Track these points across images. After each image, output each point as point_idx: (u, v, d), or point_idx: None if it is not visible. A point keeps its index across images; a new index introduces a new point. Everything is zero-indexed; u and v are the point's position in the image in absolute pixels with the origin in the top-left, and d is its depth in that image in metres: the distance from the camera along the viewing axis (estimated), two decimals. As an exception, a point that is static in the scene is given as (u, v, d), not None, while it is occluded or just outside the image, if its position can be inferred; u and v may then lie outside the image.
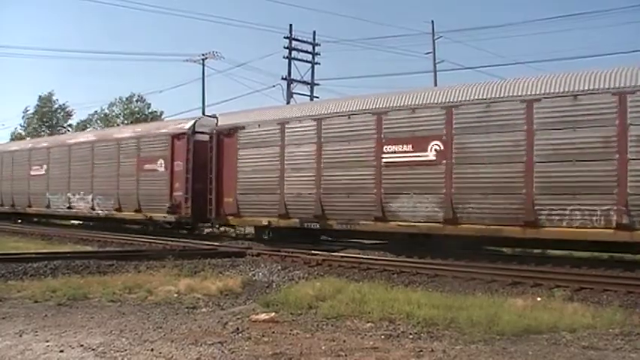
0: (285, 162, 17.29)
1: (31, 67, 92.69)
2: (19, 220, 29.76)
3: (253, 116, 18.98)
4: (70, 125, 58.39)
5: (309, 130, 16.94)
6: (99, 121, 55.37)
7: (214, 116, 21.02)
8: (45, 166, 27.49)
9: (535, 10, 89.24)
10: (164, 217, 21.00)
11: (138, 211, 22.05)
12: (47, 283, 10.66)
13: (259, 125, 18.28)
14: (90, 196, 24.47)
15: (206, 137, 19.94)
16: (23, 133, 57.31)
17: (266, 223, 17.74)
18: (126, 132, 24.30)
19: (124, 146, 23.25)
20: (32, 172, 28.28)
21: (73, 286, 10.33)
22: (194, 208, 19.88)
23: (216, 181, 19.06)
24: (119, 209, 23.00)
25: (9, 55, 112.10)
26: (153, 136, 22.24)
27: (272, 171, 17.52)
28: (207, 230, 23.23)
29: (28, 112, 58.58)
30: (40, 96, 58.20)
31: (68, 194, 25.66)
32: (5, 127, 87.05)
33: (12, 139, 54.39)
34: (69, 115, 58.89)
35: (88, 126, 54.66)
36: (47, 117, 57.69)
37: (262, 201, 17.78)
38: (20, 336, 7.13)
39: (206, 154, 19.53)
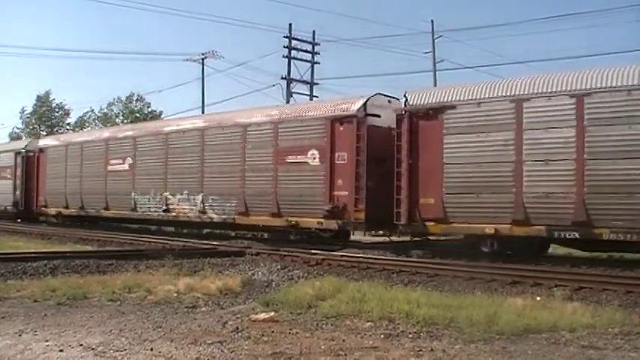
0: (525, 151, 13.28)
1: (29, 66, 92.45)
2: (19, 220, 29.75)
3: (469, 91, 14.45)
4: (68, 124, 58.39)
5: (564, 110, 12.92)
6: (96, 121, 55.37)
7: (389, 98, 16.93)
8: (129, 160, 22.64)
9: (535, 10, 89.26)
10: (319, 222, 16.57)
11: (276, 215, 17.55)
12: (47, 283, 10.66)
13: (479, 104, 14.06)
14: (199, 197, 19.73)
15: (382, 121, 16.14)
16: (21, 133, 57.25)
17: (491, 232, 13.78)
18: (256, 116, 19.05)
19: (254, 134, 18.50)
20: (111, 168, 23.44)
21: (73, 285, 10.33)
22: (368, 211, 15.72)
23: (408, 176, 14.75)
24: (245, 213, 18.39)
25: (8, 54, 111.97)
26: (299, 120, 17.57)
27: (502, 163, 13.53)
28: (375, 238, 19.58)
29: (25, 112, 58.59)
30: (37, 95, 58.20)
31: (165, 194, 20.93)
32: (4, 127, 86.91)
33: (11, 139, 54.35)
34: (67, 114, 58.89)
35: (87, 125, 54.65)
36: (45, 116, 57.63)
37: (485, 203, 13.79)
38: (20, 335, 7.13)
39: (382, 143, 15.75)
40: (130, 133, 23.93)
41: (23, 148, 29.60)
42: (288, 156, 17.45)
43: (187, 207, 20.23)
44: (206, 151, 19.86)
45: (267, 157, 17.99)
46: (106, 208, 23.70)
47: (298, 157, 17.21)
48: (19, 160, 29.27)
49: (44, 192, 27.44)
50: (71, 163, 25.80)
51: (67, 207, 25.94)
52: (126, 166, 22.83)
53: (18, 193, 29.08)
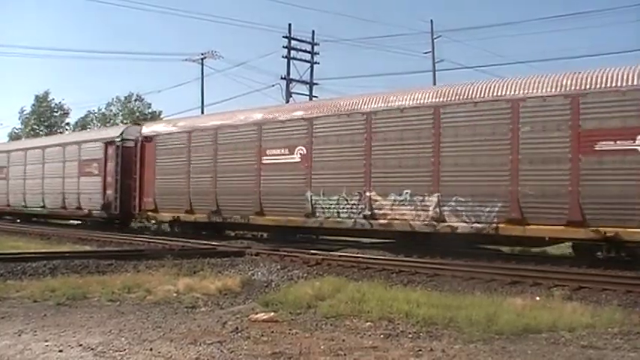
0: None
1: (29, 66, 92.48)
2: (18, 220, 29.75)
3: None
4: (67, 124, 58.39)
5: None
6: (95, 121, 55.35)
7: None
8: (301, 149, 17.25)
9: (535, 9, 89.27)
10: None
11: (577, 224, 12.54)
12: (46, 283, 10.64)
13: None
14: (432, 198, 14.60)
15: None
16: (21, 133, 57.24)
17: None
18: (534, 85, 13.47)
19: (528, 112, 13.32)
20: (268, 160, 18.11)
21: (72, 285, 10.32)
22: None
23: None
24: (522, 221, 13.30)
25: (8, 54, 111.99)
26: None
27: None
28: None
29: (24, 113, 58.56)
30: (35, 95, 58.17)
31: (369, 194, 15.60)
32: (3, 127, 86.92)
33: (10, 139, 54.33)
34: (66, 114, 58.87)
35: (89, 125, 54.64)
36: (44, 116, 57.61)
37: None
38: (19, 335, 7.12)
39: None
40: (300, 113, 17.90)
41: (118, 137, 23.82)
42: (598, 142, 12.40)
43: (409, 211, 15.04)
44: (443, 138, 14.57)
45: (559, 145, 12.89)
46: (260, 213, 18.05)
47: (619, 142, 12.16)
48: (110, 151, 23.71)
49: (152, 192, 21.62)
50: (198, 155, 20.20)
51: (190, 211, 20.26)
52: (295, 158, 17.35)
53: (110, 192, 23.46)
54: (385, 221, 15.30)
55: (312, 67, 38.78)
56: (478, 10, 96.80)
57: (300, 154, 17.26)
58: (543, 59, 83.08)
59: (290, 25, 37.95)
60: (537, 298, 9.58)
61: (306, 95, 38.60)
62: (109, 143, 24.04)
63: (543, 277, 11.32)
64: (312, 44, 38.62)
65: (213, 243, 17.72)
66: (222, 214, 19.29)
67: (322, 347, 6.71)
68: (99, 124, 53.08)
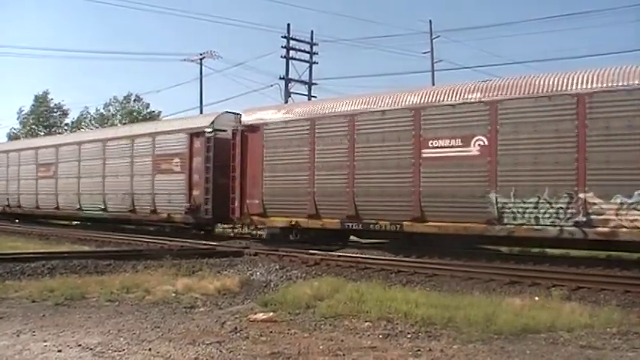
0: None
1: (27, 66, 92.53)
2: (17, 220, 29.69)
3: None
4: (66, 124, 58.31)
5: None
6: (93, 121, 55.28)
7: None
8: (481, 140, 13.82)
9: (534, 9, 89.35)
10: None
11: None
12: (45, 283, 10.64)
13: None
14: None
15: None
16: (19, 133, 57.17)
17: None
18: None
19: None
20: (428, 153, 14.52)
21: (71, 285, 10.31)
22: None
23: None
24: None
25: (6, 54, 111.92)
26: None
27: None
28: None
29: (23, 113, 58.50)
30: (35, 95, 58.11)
31: (582, 195, 12.42)
32: (2, 127, 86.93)
33: (9, 139, 54.24)
34: (65, 114, 58.80)
35: (84, 125, 54.59)
36: (43, 116, 57.54)
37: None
38: (18, 336, 7.12)
39: None
40: (477, 95, 14.18)
41: (209, 126, 19.87)
42: None
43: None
44: None
45: None
46: (420, 219, 14.65)
47: None
48: (198, 144, 20.07)
49: (258, 192, 17.87)
50: (326, 147, 16.54)
51: (314, 216, 16.64)
52: (472, 151, 13.98)
53: (198, 193, 19.85)
54: (606, 229, 12.18)
55: (310, 67, 38.79)
56: (476, 10, 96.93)
57: (479, 145, 13.91)
58: (542, 59, 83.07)
59: (289, 25, 37.98)
60: (536, 298, 9.59)
61: (305, 95, 38.61)
62: (195, 134, 20.16)
63: (542, 277, 11.34)
64: (311, 44, 38.63)
65: (212, 243, 17.73)
66: (363, 220, 15.70)
67: (321, 347, 6.72)
68: (97, 125, 52.98)
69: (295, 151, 17.14)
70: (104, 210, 24.01)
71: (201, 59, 44.11)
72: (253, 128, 18.22)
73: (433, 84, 34.03)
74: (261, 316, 8.30)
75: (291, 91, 38.21)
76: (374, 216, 15.48)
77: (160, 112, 53.87)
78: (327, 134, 16.58)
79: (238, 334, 7.33)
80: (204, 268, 12.82)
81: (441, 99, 14.59)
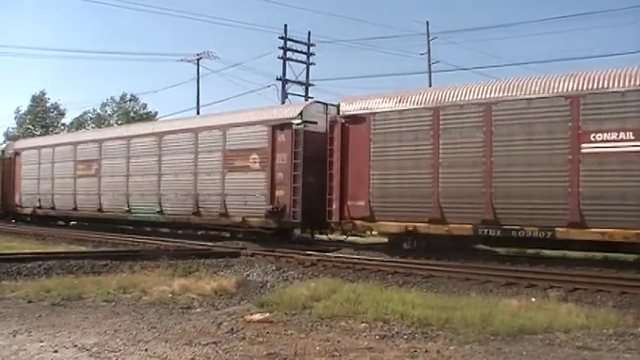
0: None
1: (24, 66, 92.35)
2: (13, 220, 29.62)
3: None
4: (63, 124, 58.25)
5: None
6: (90, 121, 55.23)
7: None
8: None
9: (532, 11, 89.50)
10: None
11: None
12: (41, 283, 10.61)
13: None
14: None
15: None
16: (16, 133, 57.07)
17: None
18: None
19: None
20: (591, 148, 12.54)
21: (67, 286, 10.29)
22: None
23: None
24: None
25: (4, 54, 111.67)
26: None
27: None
28: None
29: (20, 112, 58.41)
30: (32, 95, 58.03)
31: None
32: (0, 127, 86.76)
33: (6, 139, 54.11)
34: (61, 114, 58.73)
35: (84, 125, 54.53)
36: (40, 116, 57.46)
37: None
38: (14, 336, 7.10)
39: None
40: None
41: (296, 117, 17.40)
42: None
43: None
44: None
45: None
46: (578, 224, 12.62)
47: None
48: (283, 137, 17.55)
49: (364, 193, 15.58)
50: (454, 141, 14.46)
51: (438, 220, 14.50)
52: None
53: (282, 194, 17.33)
54: None
55: (308, 67, 38.80)
56: (474, 11, 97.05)
57: None
58: (541, 61, 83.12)
59: (286, 26, 37.97)
60: (533, 300, 9.61)
61: (302, 96, 38.62)
62: (278, 127, 17.71)
63: (538, 279, 11.36)
64: (308, 45, 38.63)
65: (209, 244, 17.72)
66: (503, 225, 13.60)
67: (317, 348, 6.71)
68: (94, 125, 52.93)
69: (413, 145, 14.90)
70: (160, 213, 21.28)
71: (198, 60, 44.11)
72: (357, 119, 15.86)
73: (430, 85, 34.07)
74: (257, 316, 8.30)
75: (288, 91, 38.24)
76: (518, 221, 13.39)
77: (156, 112, 53.91)
78: (456, 125, 14.33)
79: (235, 334, 7.33)
80: (201, 269, 12.79)
81: (607, 85, 12.50)
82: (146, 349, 6.55)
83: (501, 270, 12.41)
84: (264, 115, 18.79)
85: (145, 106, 55.15)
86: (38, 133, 53.34)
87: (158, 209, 21.37)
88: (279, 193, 17.48)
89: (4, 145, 32.61)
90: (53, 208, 26.96)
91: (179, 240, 19.47)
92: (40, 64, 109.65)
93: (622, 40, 70.35)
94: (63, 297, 9.56)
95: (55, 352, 6.43)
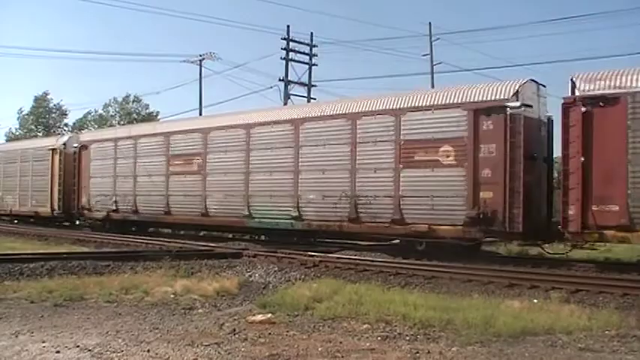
0: None
1: (26, 67, 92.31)
2: (16, 221, 29.64)
3: None
4: (65, 125, 58.29)
5: None
6: (93, 122, 55.27)
7: None
8: None
9: (534, 13, 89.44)
10: None
11: None
12: (43, 284, 10.63)
13: None
14: None
15: None
16: (18, 134, 57.10)
17: None
18: None
19: None
20: None
21: (70, 286, 10.31)
22: None
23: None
24: None
25: (6, 54, 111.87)
26: None
27: None
28: None
29: (22, 113, 58.46)
30: (35, 96, 58.07)
31: None
32: (1, 128, 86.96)
33: (7, 140, 54.19)
34: (64, 114, 58.77)
35: (86, 126, 54.56)
36: (42, 117, 57.50)
37: None
38: (16, 336, 7.11)
39: None
40: None
41: (510, 100, 13.95)
42: None
43: None
44: None
45: None
46: None
47: None
48: (488, 124, 14.22)
49: (617, 195, 12.35)
50: None
51: None
52: None
53: (489, 195, 14.03)
54: None
55: (310, 68, 38.79)
56: (476, 12, 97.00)
57: None
58: (542, 62, 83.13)
59: (288, 27, 37.94)
60: (535, 301, 9.60)
61: (305, 97, 38.61)
62: (484, 111, 14.25)
63: (541, 280, 11.35)
64: (311, 46, 38.62)
65: (211, 245, 17.71)
66: None
67: (319, 349, 6.71)
68: (96, 126, 52.95)
69: None
70: (297, 219, 17.44)
71: (200, 60, 44.07)
72: (605, 101, 12.59)
73: (432, 86, 34.06)
74: (259, 317, 8.30)
75: (291, 92, 38.23)
76: None
77: (158, 112, 53.93)
78: None
79: (237, 335, 7.33)
80: (203, 270, 12.81)
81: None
82: (148, 350, 6.55)
83: (504, 271, 12.38)
84: (462, 95, 14.93)
85: (147, 106, 55.19)
86: (40, 134, 53.34)
87: (295, 214, 17.38)
88: (485, 194, 14.04)
89: (65, 138, 28.74)
90: (135, 211, 22.80)
91: (181, 241, 19.45)
92: (43, 65, 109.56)
93: (623, 41, 70.30)
94: (65, 298, 9.57)
95: (58, 352, 6.43)
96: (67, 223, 27.92)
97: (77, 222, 27.30)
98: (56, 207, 27.01)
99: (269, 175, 18.33)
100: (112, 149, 24.21)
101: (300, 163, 17.56)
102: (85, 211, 25.33)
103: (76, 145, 26.31)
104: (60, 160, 27.15)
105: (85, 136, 28.25)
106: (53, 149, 27.71)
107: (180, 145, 21.37)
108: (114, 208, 23.72)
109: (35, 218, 28.38)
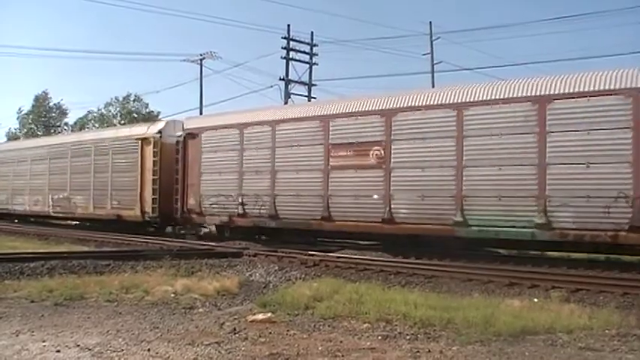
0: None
1: (27, 66, 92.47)
2: (16, 220, 29.62)
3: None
4: (65, 124, 58.28)
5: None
6: (93, 121, 55.28)
7: None
8: None
9: (534, 12, 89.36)
10: None
11: None
12: (44, 283, 10.63)
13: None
14: None
15: None
16: (18, 133, 57.10)
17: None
18: None
19: None
20: None
21: (70, 286, 10.30)
22: None
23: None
24: None
25: (6, 54, 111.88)
26: None
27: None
28: None
29: (22, 113, 58.45)
30: (35, 96, 58.08)
31: None
32: (2, 127, 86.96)
33: (8, 140, 54.16)
34: (64, 113, 58.76)
35: (87, 126, 54.56)
36: (42, 116, 57.48)
37: None
38: (17, 336, 7.11)
39: None
40: None
41: None
42: None
43: None
44: None
45: None
46: None
47: None
48: None
49: None
50: None
51: None
52: None
53: None
54: None
55: (310, 68, 38.83)
56: (477, 12, 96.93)
57: None
58: (543, 61, 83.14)
59: (289, 26, 38.02)
60: (535, 300, 9.60)
61: (305, 96, 38.63)
62: None
63: (541, 279, 11.35)
64: (311, 45, 38.65)
65: (211, 244, 17.71)
66: None
67: (320, 348, 6.71)
68: (97, 125, 52.95)
69: None
70: (543, 226, 13.23)
71: (201, 60, 44.11)
72: None
73: (433, 86, 34.05)
74: (260, 316, 8.29)
75: (291, 92, 38.24)
76: None
77: (159, 112, 53.92)
78: None
79: (237, 334, 7.33)
80: (204, 269, 12.82)
81: None
82: (148, 349, 6.55)
83: (504, 270, 12.39)
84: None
85: (146, 105, 55.20)
86: (40, 133, 53.34)
87: (541, 221, 13.20)
88: None
89: (160, 125, 23.09)
90: (274, 216, 18.03)
91: (181, 240, 19.44)
92: (43, 64, 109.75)
93: (623, 40, 70.28)
94: (65, 297, 9.56)
95: (58, 351, 6.43)
96: (169, 230, 23.29)
97: (181, 230, 22.38)
98: (148, 210, 21.84)
99: (497, 170, 13.95)
100: (237, 138, 19.22)
101: (548, 152, 13.32)
102: (194, 216, 20.43)
103: (179, 133, 21.25)
104: (154, 152, 21.80)
105: (193, 122, 22.00)
106: (143, 139, 22.43)
107: (347, 131, 16.74)
108: (240, 211, 18.83)
109: (117, 223, 23.28)
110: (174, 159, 21.08)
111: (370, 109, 16.40)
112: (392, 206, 15.48)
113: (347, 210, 16.41)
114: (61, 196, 26.50)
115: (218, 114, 22.74)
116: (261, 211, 18.27)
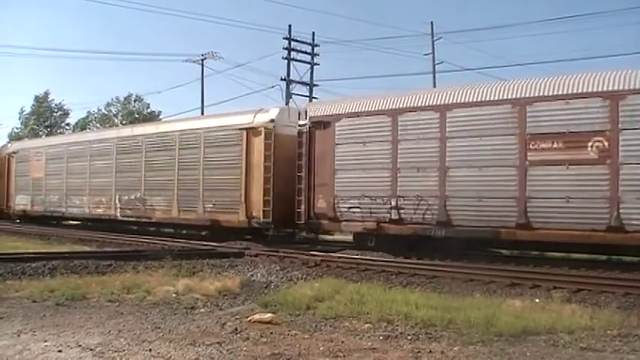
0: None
1: (28, 67, 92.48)
2: (18, 220, 29.66)
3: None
4: (67, 124, 58.33)
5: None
6: (94, 121, 55.33)
7: None
8: None
9: (535, 12, 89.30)
10: None
11: None
12: (45, 283, 10.64)
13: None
14: None
15: None
16: (21, 134, 57.12)
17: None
18: None
19: None
20: None
21: (72, 286, 10.31)
22: None
23: None
24: None
25: (7, 54, 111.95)
26: None
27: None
28: None
29: (24, 113, 58.50)
30: (36, 96, 58.13)
31: None
32: (3, 127, 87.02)
33: (10, 140, 54.20)
34: (66, 114, 58.81)
35: (89, 126, 54.61)
36: (44, 117, 57.54)
37: None
38: (18, 336, 7.12)
39: None
40: None
41: None
42: None
43: None
44: None
45: None
46: None
47: None
48: None
49: None
50: None
51: None
52: None
53: None
54: None
55: (312, 68, 38.83)
56: (479, 12, 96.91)
57: None
58: (545, 61, 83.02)
59: (290, 26, 38.04)
60: (536, 300, 9.59)
61: (306, 96, 38.63)
62: None
63: (542, 280, 11.34)
64: (313, 45, 38.66)
65: (213, 244, 17.72)
66: None
67: (321, 348, 6.71)
68: (98, 125, 53.00)
69: None
70: None
71: (202, 60, 44.12)
72: None
73: (434, 86, 34.05)
74: (261, 317, 8.29)
75: (293, 92, 38.26)
76: None
77: (160, 112, 53.97)
78: None
79: (239, 335, 7.33)
80: (205, 269, 12.82)
81: None
82: (150, 349, 6.56)
83: (505, 271, 12.39)
84: None
85: (148, 105, 55.24)
86: (41, 133, 53.36)
87: None
88: None
89: (273, 112, 18.93)
90: (445, 223, 14.69)
91: (183, 240, 19.45)
92: (45, 64, 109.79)
93: (625, 40, 70.26)
94: (67, 297, 9.57)
95: (59, 351, 6.44)
96: (288, 235, 19.23)
97: (302, 236, 19.11)
98: (258, 214, 18.15)
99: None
100: (388, 126, 15.82)
101: None
102: (325, 221, 17.10)
103: (302, 122, 17.64)
104: (267, 144, 18.17)
105: (321, 108, 17.94)
106: (250, 129, 18.74)
107: (553, 118, 13.46)
108: (392, 216, 15.61)
109: (212, 230, 20.35)
110: (293, 153, 17.46)
111: (588, 90, 13.02)
112: (620, 211, 12.43)
113: (553, 215, 13.23)
114: (132, 197, 22.88)
115: (355, 98, 18.16)
116: (425, 216, 15.03)
